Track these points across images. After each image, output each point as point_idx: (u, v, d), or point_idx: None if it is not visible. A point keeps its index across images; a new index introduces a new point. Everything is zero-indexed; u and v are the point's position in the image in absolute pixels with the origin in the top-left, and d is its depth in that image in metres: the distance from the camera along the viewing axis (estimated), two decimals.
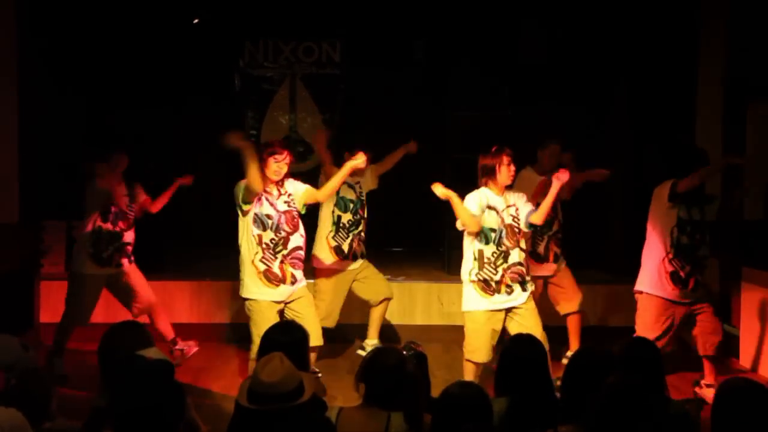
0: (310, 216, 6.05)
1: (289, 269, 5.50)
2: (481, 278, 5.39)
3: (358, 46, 9.27)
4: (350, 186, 6.49)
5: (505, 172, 5.42)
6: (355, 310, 6.85)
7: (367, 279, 6.61)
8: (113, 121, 7.61)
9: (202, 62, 8.88)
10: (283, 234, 5.49)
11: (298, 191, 5.63)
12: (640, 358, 3.63)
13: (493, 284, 5.38)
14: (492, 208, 5.39)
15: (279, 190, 5.56)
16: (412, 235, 9.10)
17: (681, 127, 7.76)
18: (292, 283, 5.53)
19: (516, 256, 5.40)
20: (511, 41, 8.57)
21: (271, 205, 5.49)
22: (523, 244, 5.48)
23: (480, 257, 5.39)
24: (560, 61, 8.43)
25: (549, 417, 3.32)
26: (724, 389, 3.11)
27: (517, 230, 5.42)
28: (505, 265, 5.38)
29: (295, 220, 5.57)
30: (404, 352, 3.75)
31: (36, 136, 6.99)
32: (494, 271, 5.37)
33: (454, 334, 7.00)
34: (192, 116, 8.79)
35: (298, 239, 5.56)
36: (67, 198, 7.19)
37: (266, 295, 5.46)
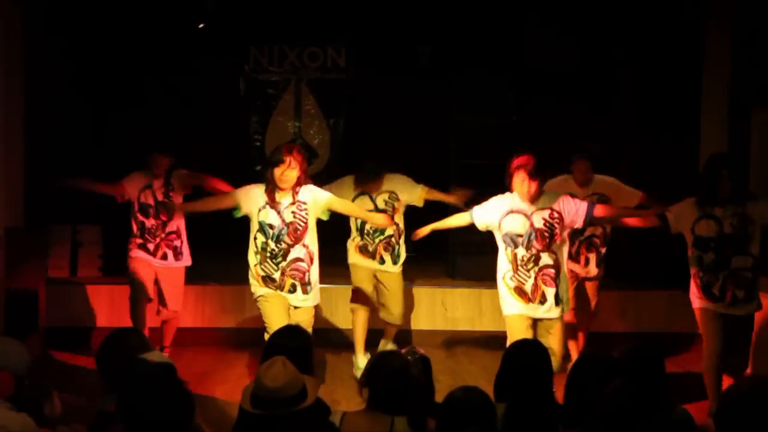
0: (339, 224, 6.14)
1: (289, 280, 5.48)
2: (515, 282, 5.36)
3: (363, 51, 9.28)
4: (370, 197, 6.43)
5: (517, 186, 5.36)
6: (347, 315, 6.85)
7: (385, 292, 6.51)
8: (118, 124, 7.64)
9: (208, 67, 8.90)
10: (284, 246, 5.45)
11: (319, 200, 5.51)
12: (643, 362, 3.62)
13: (528, 290, 5.34)
14: (518, 211, 5.36)
15: (293, 197, 5.45)
16: (416, 241, 9.08)
17: (686, 132, 7.75)
18: (290, 292, 5.49)
19: (547, 259, 5.33)
20: (517, 47, 8.58)
21: (278, 213, 5.44)
22: (556, 248, 5.38)
23: (513, 260, 5.36)
24: (565, 67, 8.43)
25: (548, 423, 3.32)
26: (730, 394, 3.10)
27: (547, 234, 5.34)
28: (536, 269, 5.33)
29: (299, 232, 5.46)
30: (408, 357, 3.76)
31: (42, 139, 7.01)
32: (527, 274, 5.34)
33: (458, 339, 7.01)
34: (197, 120, 8.81)
35: (299, 251, 5.47)
36: (73, 202, 7.22)
37: (270, 291, 5.47)
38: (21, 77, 6.73)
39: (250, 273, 5.51)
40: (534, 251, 5.32)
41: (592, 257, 6.41)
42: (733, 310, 5.34)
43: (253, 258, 5.48)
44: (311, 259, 5.54)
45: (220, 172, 7.67)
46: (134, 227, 6.45)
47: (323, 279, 5.94)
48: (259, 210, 5.44)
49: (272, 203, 5.42)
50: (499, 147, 8.04)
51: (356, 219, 6.39)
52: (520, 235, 5.31)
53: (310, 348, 3.83)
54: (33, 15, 6.81)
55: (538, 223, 5.33)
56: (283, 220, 5.42)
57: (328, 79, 9.50)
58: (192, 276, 6.78)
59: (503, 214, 5.35)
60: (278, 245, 5.42)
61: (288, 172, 5.38)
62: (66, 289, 7.29)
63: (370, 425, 3.25)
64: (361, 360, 6.34)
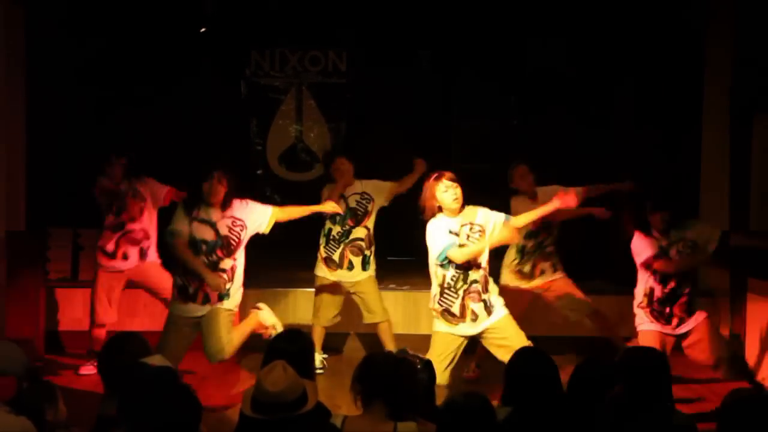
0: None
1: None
2: (443, 306, 5.35)
3: (364, 55, 9.28)
4: (342, 197, 6.51)
5: (441, 197, 5.36)
6: (359, 320, 6.86)
7: (362, 297, 6.63)
8: (119, 127, 7.64)
9: (209, 71, 8.90)
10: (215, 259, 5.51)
11: (254, 216, 5.63)
12: (644, 368, 3.62)
13: (457, 312, 5.32)
14: (452, 232, 5.33)
15: (222, 213, 5.55)
16: (416, 245, 9.07)
17: (687, 138, 7.76)
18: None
19: (474, 275, 5.32)
20: (517, 51, 8.59)
21: (211, 227, 5.51)
22: (482, 262, 5.35)
23: (442, 282, 5.35)
24: (566, 71, 8.44)
25: (553, 429, 3.32)
26: (730, 400, 3.10)
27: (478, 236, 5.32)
28: (465, 287, 5.31)
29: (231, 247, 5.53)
30: (417, 360, 3.76)
31: (43, 143, 7.01)
32: (455, 296, 5.32)
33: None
34: (198, 125, 8.81)
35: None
36: (74, 205, 7.22)
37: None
38: (23, 81, 6.74)
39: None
40: (461, 270, 5.30)
41: (548, 266, 6.48)
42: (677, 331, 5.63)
43: None
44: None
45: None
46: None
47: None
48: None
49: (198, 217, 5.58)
50: (500, 151, 8.08)
51: (325, 225, 6.54)
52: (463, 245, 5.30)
53: (310, 352, 3.83)
54: (35, 19, 6.82)
55: (463, 239, 5.32)
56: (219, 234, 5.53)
57: (329, 83, 9.50)
58: None
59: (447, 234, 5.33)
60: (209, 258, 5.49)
61: (216, 187, 5.51)
62: (67, 292, 7.28)
63: (372, 429, 3.25)
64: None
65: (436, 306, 5.39)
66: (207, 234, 5.50)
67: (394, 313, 7.42)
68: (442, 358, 5.33)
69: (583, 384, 3.48)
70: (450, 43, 8.85)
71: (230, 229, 5.55)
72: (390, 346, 6.50)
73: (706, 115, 7.72)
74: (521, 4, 8.28)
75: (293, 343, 3.77)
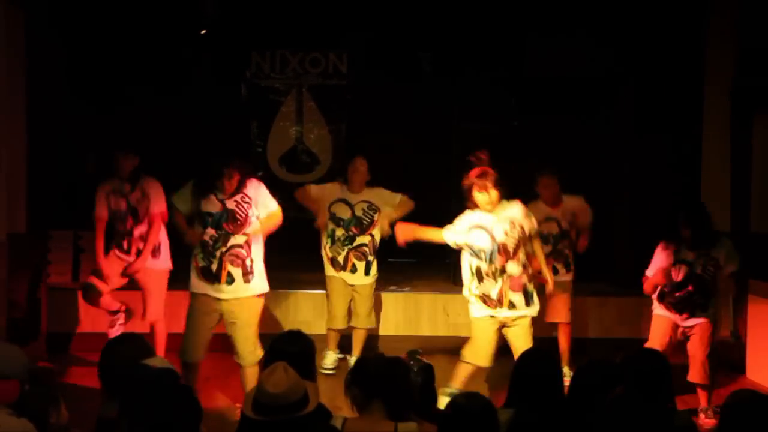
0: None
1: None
2: (479, 293, 5.40)
3: (365, 57, 9.29)
4: (348, 204, 6.56)
5: (477, 197, 5.40)
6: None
7: (356, 297, 6.68)
8: (119, 129, 7.64)
9: (209, 73, 8.91)
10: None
11: (263, 199, 5.56)
12: (646, 369, 3.62)
13: (494, 299, 5.38)
14: (481, 227, 5.36)
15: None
16: (417, 246, 9.07)
17: (688, 138, 7.76)
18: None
19: (513, 269, 5.37)
20: (518, 53, 8.59)
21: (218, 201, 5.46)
22: (522, 257, 5.41)
23: (478, 273, 5.40)
24: (566, 72, 8.43)
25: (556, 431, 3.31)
26: (731, 402, 3.10)
27: (511, 248, 5.37)
28: (504, 276, 5.37)
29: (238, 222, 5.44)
30: (411, 363, 3.76)
31: (44, 145, 7.01)
32: (495, 282, 5.38)
33: (460, 345, 6.99)
34: (198, 126, 8.82)
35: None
36: (75, 208, 7.22)
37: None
38: (23, 82, 6.74)
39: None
40: (497, 265, 5.35)
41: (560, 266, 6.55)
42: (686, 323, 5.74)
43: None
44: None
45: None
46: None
47: (319, 285, 6.01)
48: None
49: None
50: (501, 152, 8.07)
51: (327, 226, 6.58)
52: (483, 250, 5.36)
53: (311, 353, 3.83)
54: (35, 20, 6.82)
55: (500, 237, 5.35)
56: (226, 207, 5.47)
57: (329, 85, 9.51)
58: None
59: (469, 229, 5.37)
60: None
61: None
62: (68, 294, 7.29)
63: (373, 430, 3.24)
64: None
65: (475, 292, 5.42)
66: (213, 207, 5.44)
67: (395, 314, 7.44)
68: (485, 342, 5.40)
69: (584, 385, 3.48)
70: (450, 45, 8.85)
71: (237, 204, 5.45)
72: (356, 352, 6.59)
73: (707, 116, 7.72)
74: (521, 5, 8.28)
75: (294, 344, 3.76)
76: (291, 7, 8.81)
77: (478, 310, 5.46)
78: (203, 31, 8.73)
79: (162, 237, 6.40)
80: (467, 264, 5.47)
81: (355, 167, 6.60)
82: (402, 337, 7.26)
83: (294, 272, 7.68)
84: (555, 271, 6.46)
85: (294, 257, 7.68)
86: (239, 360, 5.55)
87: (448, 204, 8.45)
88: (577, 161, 8.15)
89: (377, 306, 7.16)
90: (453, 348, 6.96)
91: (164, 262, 6.45)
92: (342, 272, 6.61)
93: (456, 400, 3.21)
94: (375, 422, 3.27)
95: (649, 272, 5.76)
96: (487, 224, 5.37)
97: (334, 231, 6.57)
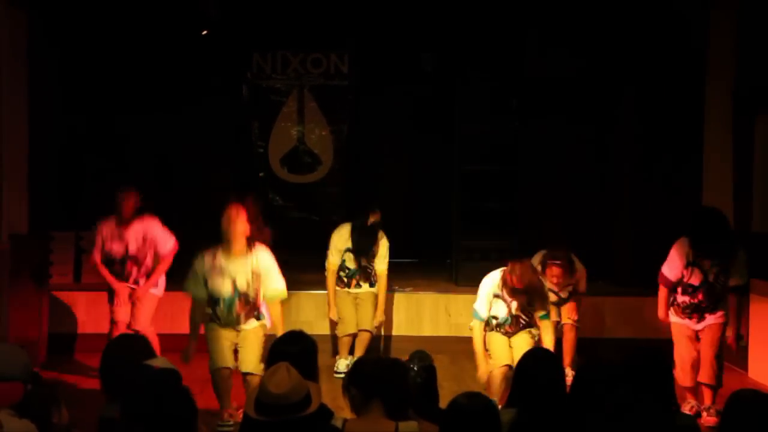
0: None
1: None
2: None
3: (366, 57, 9.29)
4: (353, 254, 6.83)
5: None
6: None
7: (361, 303, 6.84)
8: (120, 130, 7.65)
9: (211, 74, 8.91)
10: None
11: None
12: (647, 370, 3.61)
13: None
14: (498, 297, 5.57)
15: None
16: (420, 247, 9.11)
17: (689, 139, 7.76)
18: None
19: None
20: (520, 54, 8.58)
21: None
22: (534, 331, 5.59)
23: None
24: (568, 73, 8.43)
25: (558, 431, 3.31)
26: (733, 401, 3.10)
27: (523, 321, 5.54)
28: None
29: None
30: (412, 365, 3.75)
31: (46, 147, 7.02)
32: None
33: (462, 345, 6.99)
34: (200, 127, 8.82)
35: None
36: (76, 209, 7.23)
37: None
38: (25, 85, 6.75)
39: None
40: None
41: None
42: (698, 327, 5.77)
43: None
44: None
45: (223, 179, 7.72)
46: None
47: (320, 286, 5.98)
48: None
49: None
50: (501, 153, 8.08)
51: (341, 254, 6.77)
52: (496, 317, 5.56)
53: (313, 354, 3.82)
54: (37, 21, 6.83)
55: (514, 310, 5.53)
56: None
57: (331, 85, 9.51)
58: None
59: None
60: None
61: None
62: (69, 295, 7.29)
63: (374, 430, 3.24)
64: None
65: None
66: (225, 288, 5.44)
67: (397, 314, 7.44)
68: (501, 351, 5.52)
69: (586, 385, 3.48)
70: (452, 46, 8.84)
71: (248, 284, 5.46)
72: (359, 353, 6.65)
73: (709, 116, 7.72)
74: (523, 7, 8.28)
75: (296, 345, 3.76)
76: (292, 8, 8.82)
77: None
78: (205, 32, 8.73)
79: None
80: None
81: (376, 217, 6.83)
82: (404, 337, 7.26)
83: (296, 273, 7.68)
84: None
85: (296, 258, 7.68)
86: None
87: (448, 205, 8.49)
88: (578, 162, 8.15)
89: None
90: (455, 348, 6.99)
91: (160, 290, 6.48)
92: (347, 288, 6.85)
93: (458, 400, 3.21)
94: (375, 422, 3.27)
95: (666, 270, 5.74)
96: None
97: (344, 261, 6.81)
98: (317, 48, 9.41)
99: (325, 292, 6.91)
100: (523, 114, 8.27)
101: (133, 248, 6.27)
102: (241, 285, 5.42)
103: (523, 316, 5.51)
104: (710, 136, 7.68)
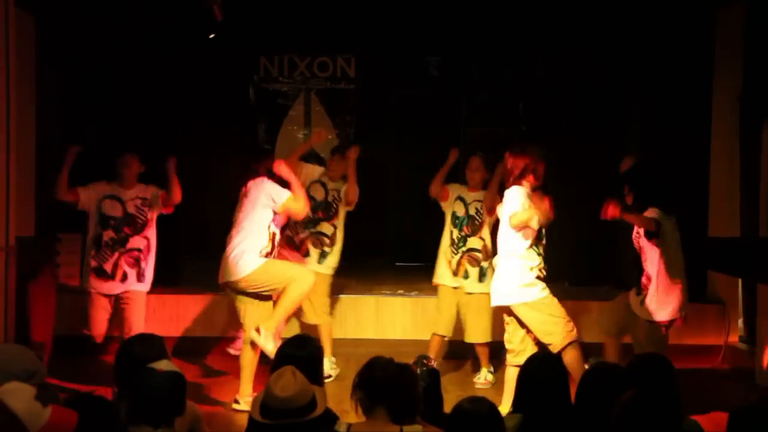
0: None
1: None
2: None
3: (373, 61, 9.30)
4: (322, 184, 6.78)
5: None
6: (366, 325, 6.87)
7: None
8: (125, 133, 7.66)
9: (218, 77, 8.93)
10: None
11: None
12: (653, 374, 3.61)
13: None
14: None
15: None
16: (426, 251, 9.09)
17: (696, 143, 7.74)
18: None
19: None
20: (526, 58, 8.58)
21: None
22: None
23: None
24: (574, 77, 8.42)
25: None
26: (741, 409, 3.09)
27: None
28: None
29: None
30: (416, 368, 3.76)
31: (52, 149, 7.04)
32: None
33: (466, 349, 7.00)
34: (207, 130, 8.84)
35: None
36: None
37: None
38: (33, 88, 6.77)
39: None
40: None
41: (468, 269, 6.47)
42: None
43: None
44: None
45: (228, 181, 7.68)
46: (88, 243, 6.19)
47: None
48: None
49: None
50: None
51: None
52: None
53: (319, 358, 3.83)
54: (44, 26, 6.86)
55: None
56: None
57: (337, 89, 9.52)
58: (202, 285, 6.80)
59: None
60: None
61: None
62: (77, 297, 7.30)
63: None
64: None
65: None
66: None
67: (402, 318, 7.44)
68: None
69: (592, 390, 3.47)
70: (458, 50, 8.85)
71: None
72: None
73: (716, 121, 7.71)
74: (530, 10, 8.28)
75: (302, 349, 3.77)
76: (299, 12, 8.83)
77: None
78: (211, 35, 8.74)
79: (148, 253, 6.25)
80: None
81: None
82: (410, 341, 7.25)
83: None
84: None
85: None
86: None
87: None
88: (584, 166, 8.14)
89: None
90: (460, 352, 6.99)
91: (147, 284, 6.28)
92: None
93: (462, 404, 3.21)
94: (380, 426, 3.27)
95: None
96: None
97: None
98: (324, 51, 9.42)
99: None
100: (530, 118, 8.27)
101: (131, 208, 6.13)
102: None
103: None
104: (717, 141, 7.67)
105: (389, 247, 7.40)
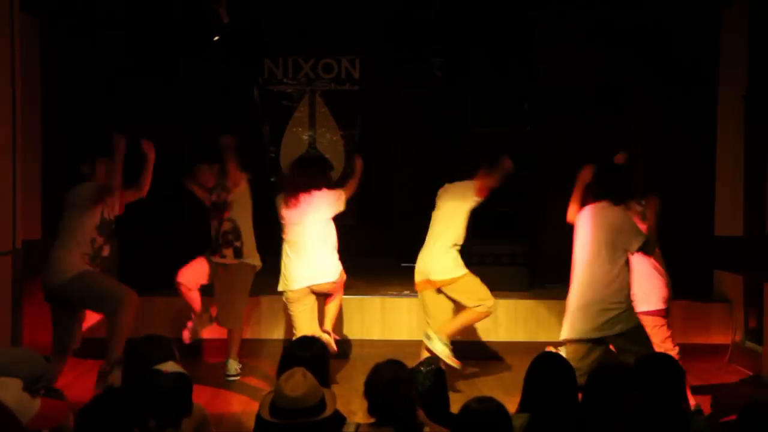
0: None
1: None
2: None
3: (377, 62, 9.31)
4: None
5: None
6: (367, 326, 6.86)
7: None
8: (131, 134, 7.67)
9: (222, 79, 8.94)
10: None
11: None
12: (661, 373, 3.60)
13: None
14: None
15: None
16: None
17: (701, 142, 7.73)
18: None
19: None
20: (531, 58, 8.57)
21: None
22: None
23: None
24: (579, 77, 8.41)
25: None
26: (749, 408, 3.08)
27: None
28: None
29: None
30: (422, 368, 3.76)
31: (59, 151, 7.05)
32: None
33: (474, 349, 7.00)
34: (211, 132, 8.82)
35: None
36: None
37: None
38: (38, 90, 6.79)
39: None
40: None
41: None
42: None
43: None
44: None
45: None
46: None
47: None
48: None
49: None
50: (514, 157, 8.06)
51: None
52: None
53: (326, 359, 3.83)
54: (49, 30, 6.87)
55: None
56: None
57: (342, 90, 9.53)
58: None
59: None
60: None
61: None
62: None
63: None
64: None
65: None
66: None
67: (408, 319, 7.44)
68: None
69: (599, 389, 3.47)
70: (463, 50, 8.84)
71: None
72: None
73: (721, 120, 7.69)
74: (535, 10, 8.28)
75: (308, 350, 3.77)
76: (304, 14, 8.84)
77: None
78: (216, 38, 8.76)
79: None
80: None
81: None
82: (415, 342, 7.24)
83: None
84: None
85: None
86: None
87: None
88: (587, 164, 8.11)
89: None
90: (465, 352, 6.98)
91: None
92: None
93: (469, 404, 3.21)
94: (387, 431, 3.28)
95: None
96: None
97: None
98: (328, 53, 9.43)
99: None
100: (534, 118, 8.27)
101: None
102: None
103: None
104: (722, 141, 7.66)
105: (395, 247, 7.38)
